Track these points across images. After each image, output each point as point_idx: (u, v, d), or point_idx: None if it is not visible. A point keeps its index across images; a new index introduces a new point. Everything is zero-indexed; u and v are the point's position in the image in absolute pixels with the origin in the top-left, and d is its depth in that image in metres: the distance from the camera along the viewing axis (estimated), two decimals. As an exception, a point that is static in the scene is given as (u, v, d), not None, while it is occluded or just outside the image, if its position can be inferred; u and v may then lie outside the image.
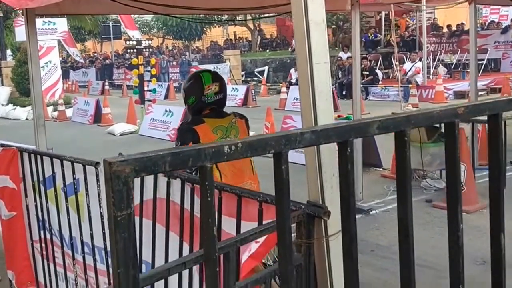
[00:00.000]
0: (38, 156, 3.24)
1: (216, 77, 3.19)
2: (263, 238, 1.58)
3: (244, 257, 1.59)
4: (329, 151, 1.52)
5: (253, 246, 1.58)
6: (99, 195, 2.79)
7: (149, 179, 2.50)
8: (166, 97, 20.61)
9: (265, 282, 1.31)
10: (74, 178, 2.99)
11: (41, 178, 3.27)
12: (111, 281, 2.78)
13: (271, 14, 7.05)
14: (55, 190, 3.17)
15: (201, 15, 7.67)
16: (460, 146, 4.47)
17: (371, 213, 5.50)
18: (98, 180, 2.77)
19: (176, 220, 2.27)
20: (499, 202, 1.26)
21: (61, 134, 12.23)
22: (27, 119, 16.37)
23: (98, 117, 14.22)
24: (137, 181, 2.59)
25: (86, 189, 2.90)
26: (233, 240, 1.20)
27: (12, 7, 3.83)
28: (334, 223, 1.41)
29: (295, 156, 8.08)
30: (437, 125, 6.11)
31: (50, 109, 16.44)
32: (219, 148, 0.99)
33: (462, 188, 5.33)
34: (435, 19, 19.68)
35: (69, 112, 15.85)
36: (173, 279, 2.18)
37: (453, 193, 1.25)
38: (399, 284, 1.11)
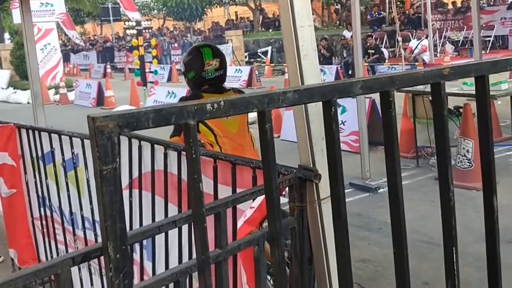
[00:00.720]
0: (36, 132, 3.26)
1: (216, 53, 3.19)
2: (258, 203, 1.59)
3: (239, 222, 1.61)
4: (318, 114, 1.53)
5: (248, 212, 1.60)
6: (97, 169, 2.81)
7: (146, 152, 2.52)
8: (169, 79, 20.56)
9: (258, 243, 1.33)
10: (72, 153, 3.01)
11: (39, 154, 3.30)
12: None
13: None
14: (54, 166, 3.20)
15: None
16: (467, 123, 4.48)
17: (378, 191, 5.51)
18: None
19: (174, 192, 2.29)
20: (489, 165, 1.26)
21: (64, 117, 12.24)
22: (28, 102, 16.39)
23: (100, 100, 14.23)
24: (135, 153, 2.60)
25: (85, 164, 2.92)
26: (224, 201, 1.21)
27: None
28: (326, 186, 1.42)
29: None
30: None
31: (51, 92, 16.46)
32: (201, 106, 1.00)
33: (470, 165, 5.33)
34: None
35: (71, 95, 15.86)
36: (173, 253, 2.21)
37: (443, 154, 1.25)
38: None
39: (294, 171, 1.49)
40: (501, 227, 1.28)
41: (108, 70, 25.05)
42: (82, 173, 2.99)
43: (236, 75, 17.37)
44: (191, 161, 1.01)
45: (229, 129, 3.14)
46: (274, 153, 1.00)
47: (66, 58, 27.58)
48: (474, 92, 4.69)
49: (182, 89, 11.60)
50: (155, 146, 2.42)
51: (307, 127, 1.54)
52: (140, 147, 2.56)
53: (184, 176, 2.18)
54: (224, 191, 1.93)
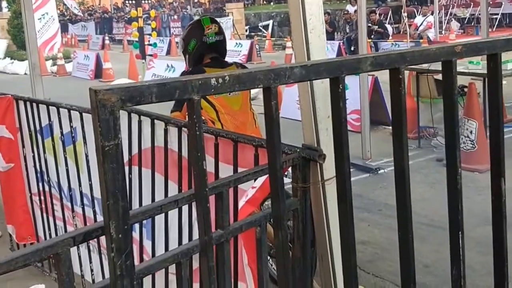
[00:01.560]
0: (34, 105, 3.23)
1: (214, 20, 3.27)
2: (259, 183, 1.58)
3: (241, 203, 1.61)
4: (324, 92, 1.50)
5: (250, 192, 1.59)
6: (96, 144, 2.79)
7: (146, 127, 2.50)
8: (168, 52, 20.36)
9: (260, 224, 1.32)
10: (71, 127, 2.99)
11: (38, 128, 3.28)
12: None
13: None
14: (53, 140, 3.18)
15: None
16: (471, 102, 4.44)
17: (379, 172, 5.49)
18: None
19: (175, 169, 2.28)
20: (498, 146, 1.25)
21: (62, 89, 12.16)
22: (25, 73, 16.27)
23: (99, 72, 14.15)
24: (135, 128, 2.58)
25: (84, 138, 2.91)
26: (226, 180, 1.20)
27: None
28: (330, 166, 1.41)
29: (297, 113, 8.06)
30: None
31: (49, 63, 16.33)
32: (206, 81, 0.98)
33: (473, 146, 5.32)
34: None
35: (68, 67, 15.74)
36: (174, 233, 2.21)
37: (451, 136, 1.23)
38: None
39: (298, 150, 1.47)
40: (507, 210, 1.27)
41: (107, 42, 24.78)
42: (80, 147, 2.98)
43: (236, 49, 17.20)
44: (194, 138, 0.99)
45: (231, 106, 3.12)
46: (279, 131, 0.99)
47: (64, 29, 27.26)
48: (479, 71, 4.71)
49: (181, 63, 11.50)
50: (155, 121, 2.40)
51: (312, 105, 1.52)
52: (139, 122, 2.54)
53: (185, 153, 2.16)
54: (225, 170, 1.92)
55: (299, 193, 1.36)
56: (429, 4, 16.50)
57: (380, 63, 1.23)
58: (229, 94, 3.11)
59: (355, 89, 6.63)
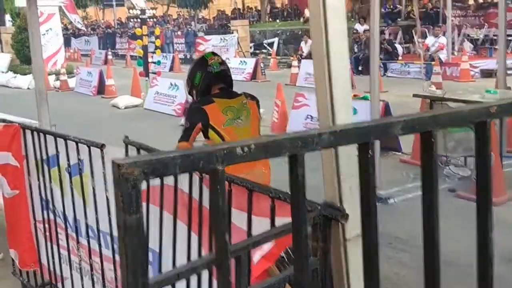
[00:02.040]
0: (41, 134, 3.25)
1: (216, 53, 3.40)
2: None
3: (256, 257, 1.59)
4: (348, 149, 1.51)
5: (266, 246, 1.58)
6: (104, 178, 2.81)
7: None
8: (171, 69, 20.54)
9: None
10: (78, 159, 3.00)
11: (44, 157, 3.29)
12: (117, 268, 2.81)
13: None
14: (59, 170, 3.19)
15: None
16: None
17: (389, 201, 5.39)
18: (103, 163, 2.78)
19: (184, 210, 2.28)
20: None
21: (64, 105, 12.29)
22: (28, 88, 16.42)
23: (101, 88, 14.27)
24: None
25: (92, 171, 2.91)
26: (245, 244, 1.20)
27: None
28: (353, 226, 1.40)
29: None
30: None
31: (52, 78, 16.48)
32: (231, 150, 0.99)
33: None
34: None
35: (71, 82, 15.90)
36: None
37: (484, 194, 1.23)
38: (419, 279, 1.11)
39: (319, 207, 1.47)
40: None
41: (109, 57, 25.04)
42: (87, 179, 2.99)
43: (241, 67, 17.33)
44: (216, 211, 0.99)
45: (240, 137, 3.14)
46: (305, 201, 0.99)
47: (67, 43, 27.55)
48: (497, 101, 4.65)
49: (184, 82, 11.52)
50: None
51: (335, 161, 1.52)
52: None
53: (196, 195, 2.16)
54: (238, 217, 1.92)
55: (319, 252, 1.35)
56: (441, 24, 16.56)
57: (411, 127, 1.24)
58: (238, 124, 3.13)
59: (365, 113, 6.63)
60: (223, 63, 3.28)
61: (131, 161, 0.91)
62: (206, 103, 3.10)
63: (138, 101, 12.38)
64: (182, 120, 9.79)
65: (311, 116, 8.14)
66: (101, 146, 2.78)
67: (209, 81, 3.20)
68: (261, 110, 3.42)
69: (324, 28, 1.55)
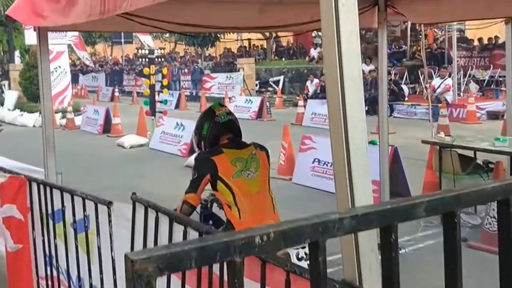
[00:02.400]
0: (48, 188, 3.22)
1: (223, 104, 3.47)
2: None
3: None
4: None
5: None
6: (111, 236, 2.75)
7: (164, 225, 2.45)
8: (177, 106, 20.67)
9: None
10: (84, 215, 2.95)
11: (49, 211, 3.25)
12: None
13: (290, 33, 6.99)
14: (64, 226, 3.14)
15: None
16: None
17: (400, 252, 5.32)
18: (110, 221, 2.73)
19: (193, 275, 2.20)
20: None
21: (70, 144, 12.31)
22: (34, 125, 16.54)
23: (107, 126, 14.32)
24: (151, 225, 2.53)
25: (97, 229, 2.86)
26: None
27: (24, 24, 3.82)
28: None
29: (314, 180, 8.00)
30: (472, 156, 6.00)
31: (58, 116, 16.60)
32: (249, 239, 0.95)
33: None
34: (465, 31, 19.43)
35: (78, 120, 16.00)
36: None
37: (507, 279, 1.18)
38: None
39: (337, 286, 1.41)
40: None
41: (116, 94, 25.30)
42: (93, 237, 2.93)
43: (246, 106, 17.44)
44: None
45: (249, 188, 3.09)
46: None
47: (74, 79, 27.93)
48: (506, 149, 4.65)
49: (191, 121, 11.60)
50: (174, 223, 2.35)
51: (354, 238, 1.47)
52: (157, 219, 2.49)
53: (216, 270, 2.10)
54: (250, 286, 1.85)
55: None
56: (446, 65, 16.67)
57: (434, 208, 1.21)
58: (247, 176, 3.09)
59: (374, 158, 6.58)
60: (230, 113, 3.28)
61: (144, 257, 0.87)
62: (215, 154, 3.07)
63: (143, 140, 12.40)
64: (188, 161, 9.81)
65: (318, 159, 8.09)
66: (108, 204, 2.73)
67: (217, 131, 3.18)
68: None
69: (341, 92, 1.53)
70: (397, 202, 1.29)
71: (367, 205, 1.44)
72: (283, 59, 26.33)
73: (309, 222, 1.01)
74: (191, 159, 10.01)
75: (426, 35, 18.93)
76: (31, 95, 18.23)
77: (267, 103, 17.18)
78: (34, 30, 4.07)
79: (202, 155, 3.21)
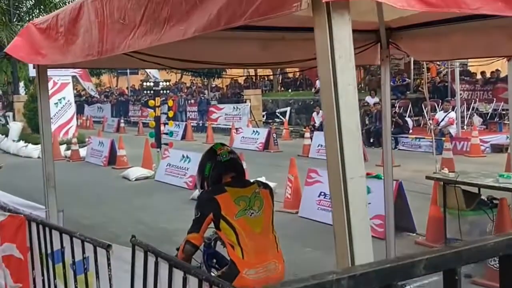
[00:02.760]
0: (47, 229, 3.20)
1: (224, 144, 3.42)
2: None
3: None
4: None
5: None
6: (110, 280, 2.72)
7: (163, 270, 2.42)
8: (183, 137, 20.74)
9: None
10: (83, 257, 2.93)
11: (49, 251, 3.23)
12: None
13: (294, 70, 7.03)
14: (64, 266, 3.12)
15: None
16: (502, 218, 4.32)
17: (405, 288, 5.26)
18: (109, 264, 2.70)
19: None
20: None
21: (74, 176, 12.33)
22: (38, 157, 16.59)
23: (113, 158, 14.32)
24: (150, 269, 2.50)
25: (97, 271, 2.83)
26: None
27: (23, 61, 3.84)
28: None
29: (320, 214, 7.95)
30: (476, 192, 5.96)
31: (63, 147, 16.67)
32: None
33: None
34: (467, 64, 19.54)
35: (82, 151, 16.03)
36: None
37: None
38: None
39: None
40: None
41: (122, 125, 25.44)
42: (92, 279, 2.90)
43: (253, 137, 17.46)
44: None
45: (252, 228, 3.06)
46: None
47: (79, 110, 28.19)
48: (511, 186, 4.59)
49: (196, 154, 11.62)
50: (174, 269, 2.32)
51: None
52: (156, 264, 2.46)
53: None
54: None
55: None
56: (449, 99, 16.73)
57: (434, 265, 1.19)
58: (251, 215, 3.07)
59: (378, 193, 6.52)
60: (232, 152, 3.30)
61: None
62: (218, 192, 3.06)
63: (149, 172, 12.38)
64: (194, 194, 9.76)
65: (324, 193, 8.06)
66: (107, 247, 2.71)
67: (219, 170, 3.19)
68: (273, 184, 3.38)
69: (340, 148, 1.54)
70: (397, 260, 1.27)
71: (366, 263, 1.43)
72: (290, 90, 26.51)
73: (305, 284, 0.99)
74: (197, 192, 9.92)
75: (429, 69, 19.07)
76: (36, 126, 18.30)
77: (274, 135, 17.20)
78: (34, 67, 4.08)
79: (205, 194, 3.19)
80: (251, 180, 3.31)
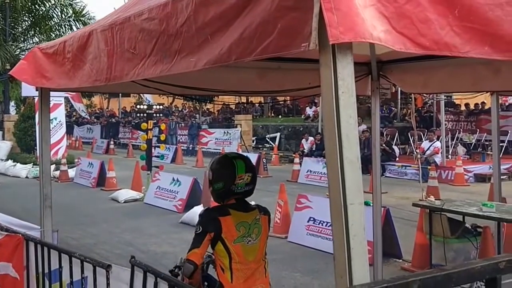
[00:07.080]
0: (45, 248, 3.23)
1: (249, 167, 3.13)
2: None
3: None
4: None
5: None
6: (108, 300, 2.75)
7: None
8: (173, 160, 20.73)
9: None
10: (82, 277, 2.95)
11: (46, 271, 3.25)
12: None
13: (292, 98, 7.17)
14: (61, 286, 3.14)
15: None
16: (486, 246, 4.48)
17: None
18: (108, 284, 2.74)
19: None
20: None
21: (62, 196, 12.22)
22: (27, 177, 16.47)
23: (102, 180, 14.25)
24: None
25: (95, 291, 2.86)
26: None
27: (27, 84, 3.88)
28: None
29: (309, 239, 7.99)
30: (461, 220, 6.07)
31: (52, 167, 16.51)
32: None
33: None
34: (452, 96, 19.94)
35: (71, 172, 15.92)
36: None
37: None
38: None
39: None
40: None
41: (111, 147, 25.34)
42: (90, 299, 2.93)
43: (244, 162, 17.49)
44: None
45: (246, 256, 3.08)
46: None
47: (69, 130, 28.00)
48: (494, 215, 4.76)
49: (187, 177, 11.64)
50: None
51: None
52: (156, 284, 2.51)
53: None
54: None
55: None
56: (434, 129, 17.04)
57: (427, 286, 1.29)
58: (247, 242, 3.07)
59: (367, 219, 6.61)
60: (251, 182, 3.10)
61: None
62: (223, 214, 3.01)
63: (138, 195, 12.34)
64: (183, 217, 9.71)
65: (313, 218, 8.13)
66: (107, 267, 2.75)
67: (228, 195, 3.10)
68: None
69: (341, 175, 1.63)
70: (392, 281, 1.36)
71: (364, 283, 1.51)
72: (280, 116, 26.72)
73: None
74: (187, 216, 9.97)
75: (415, 99, 19.41)
76: (25, 146, 18.27)
77: (264, 160, 17.29)
78: (36, 89, 4.11)
79: (209, 213, 3.14)
80: (252, 204, 3.25)
